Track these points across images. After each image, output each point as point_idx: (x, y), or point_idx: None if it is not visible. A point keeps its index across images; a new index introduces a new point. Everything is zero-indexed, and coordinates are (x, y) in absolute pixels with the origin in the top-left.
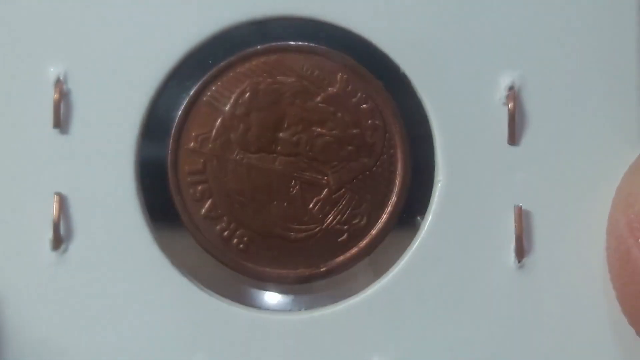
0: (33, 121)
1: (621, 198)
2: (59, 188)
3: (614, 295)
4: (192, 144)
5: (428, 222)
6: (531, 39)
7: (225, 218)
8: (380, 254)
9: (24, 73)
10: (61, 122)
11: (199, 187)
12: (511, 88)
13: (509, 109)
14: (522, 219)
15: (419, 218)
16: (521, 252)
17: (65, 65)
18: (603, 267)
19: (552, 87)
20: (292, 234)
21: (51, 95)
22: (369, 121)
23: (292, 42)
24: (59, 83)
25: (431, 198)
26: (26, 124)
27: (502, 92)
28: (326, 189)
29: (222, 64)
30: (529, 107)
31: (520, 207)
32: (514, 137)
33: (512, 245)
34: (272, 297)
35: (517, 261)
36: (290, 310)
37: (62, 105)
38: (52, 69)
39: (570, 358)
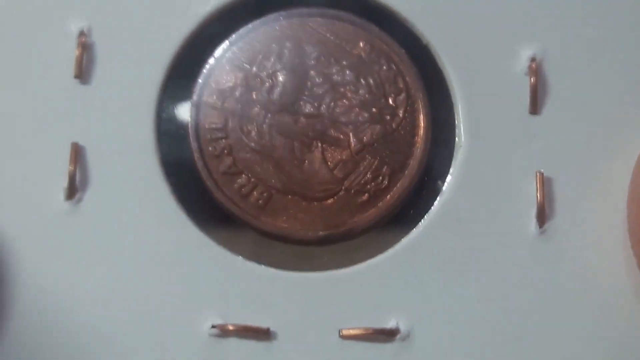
0: (55, 71)
1: (634, 189)
2: (76, 138)
3: (634, 262)
4: (214, 100)
5: (448, 186)
6: (553, 10)
7: (244, 174)
8: (399, 217)
9: (49, 25)
10: (82, 73)
11: (219, 144)
12: (533, 59)
13: (530, 80)
14: (544, 184)
15: (439, 182)
16: (543, 218)
17: (90, 19)
18: (625, 233)
19: (573, 57)
20: (311, 192)
21: (74, 47)
22: (392, 85)
23: (316, 8)
24: (82, 35)
25: (452, 162)
26: (48, 73)
27: (524, 62)
28: (347, 150)
29: (249, 25)
30: (550, 77)
31: (542, 173)
32: (535, 107)
33: (534, 211)
34: (288, 256)
35: (538, 227)
36: (306, 270)
37: (84, 56)
38: (76, 22)
39: (591, 325)
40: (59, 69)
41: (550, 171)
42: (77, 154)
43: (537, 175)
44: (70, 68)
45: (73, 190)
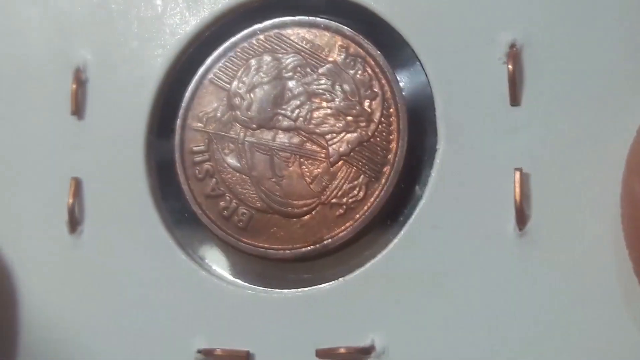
0: (53, 108)
1: (636, 162)
2: (73, 172)
3: (626, 266)
4: (197, 124)
5: (427, 191)
6: None
7: (226, 196)
8: (378, 228)
9: (46, 63)
10: (78, 109)
11: (202, 166)
12: (513, 45)
13: (508, 68)
14: (523, 183)
15: (417, 188)
16: (523, 219)
17: (84, 56)
18: (612, 235)
19: (557, 43)
20: (290, 209)
21: (69, 84)
22: (368, 90)
23: (290, 17)
24: (78, 72)
25: (430, 167)
26: (46, 112)
27: (503, 49)
28: (324, 163)
29: (226, 44)
30: (532, 65)
31: (521, 171)
32: (515, 97)
33: (513, 212)
34: (269, 275)
35: (517, 229)
36: (287, 288)
37: (79, 92)
38: (72, 59)
39: (578, 334)
40: (57, 106)
41: (533, 168)
42: (76, 187)
43: (515, 174)
44: (67, 104)
45: (74, 223)
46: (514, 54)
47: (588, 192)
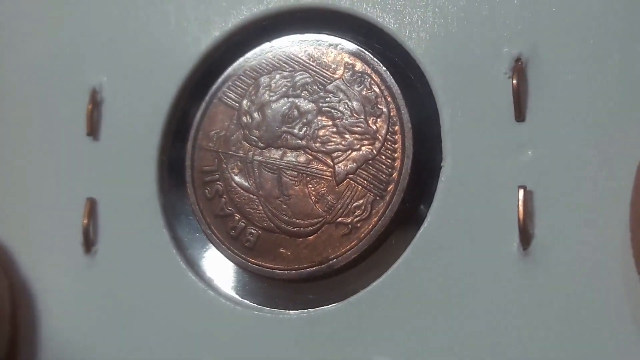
0: (68, 129)
1: None
2: (88, 193)
3: (633, 287)
4: (207, 143)
5: (431, 210)
6: (541, 4)
7: (234, 216)
8: (382, 247)
9: (63, 84)
10: (94, 129)
11: (213, 186)
12: (518, 59)
13: (513, 83)
14: (527, 201)
15: (422, 207)
16: (526, 238)
17: (100, 77)
18: (619, 255)
19: (563, 58)
20: (296, 229)
21: (85, 105)
22: (374, 107)
23: (298, 35)
24: (94, 93)
25: (435, 185)
26: (62, 132)
27: (508, 64)
28: (330, 181)
29: (235, 63)
30: (537, 80)
31: (525, 188)
32: (520, 113)
33: (517, 231)
34: (276, 295)
35: (521, 248)
36: (294, 309)
37: (94, 113)
38: (88, 81)
39: (583, 353)
40: (73, 126)
41: (537, 185)
42: (92, 208)
43: (519, 192)
44: (83, 125)
45: (89, 244)
46: (519, 69)
47: (593, 211)
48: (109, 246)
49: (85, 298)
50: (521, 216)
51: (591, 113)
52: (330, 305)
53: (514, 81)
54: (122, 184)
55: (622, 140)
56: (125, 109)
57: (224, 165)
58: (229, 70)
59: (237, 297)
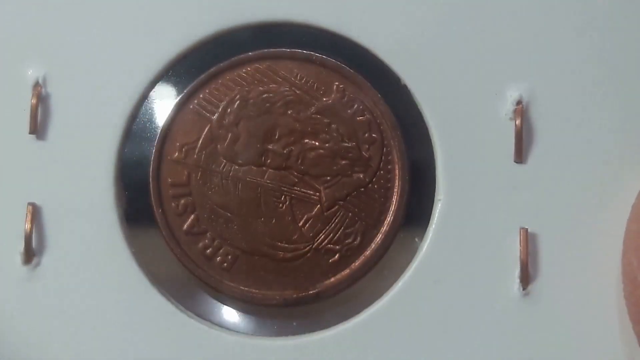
0: (8, 126)
1: (632, 238)
2: (32, 198)
3: (629, 329)
4: (176, 155)
5: (427, 243)
6: (540, 50)
7: (208, 234)
8: (373, 277)
9: (1, 75)
10: (38, 127)
11: (182, 201)
12: (519, 102)
13: (515, 125)
14: (528, 242)
15: (417, 239)
16: (526, 278)
17: (45, 68)
18: (617, 297)
19: (562, 101)
20: (279, 252)
21: (28, 99)
22: (366, 134)
23: (286, 49)
24: (37, 86)
25: (430, 218)
26: (1, 129)
27: (509, 106)
28: (318, 206)
29: (211, 70)
30: (537, 122)
31: (527, 230)
32: (520, 154)
33: (517, 271)
34: (256, 321)
35: (521, 288)
36: (274, 336)
37: (39, 110)
38: (30, 72)
39: None
40: (13, 124)
41: (537, 226)
42: (34, 214)
43: (520, 232)
44: (25, 122)
45: (30, 254)
46: (521, 111)
47: (592, 253)
48: (54, 257)
49: (24, 314)
50: (523, 256)
51: (588, 156)
52: (317, 332)
53: (517, 122)
54: (71, 189)
55: (619, 183)
56: (78, 105)
57: (196, 180)
58: (204, 76)
59: (211, 320)
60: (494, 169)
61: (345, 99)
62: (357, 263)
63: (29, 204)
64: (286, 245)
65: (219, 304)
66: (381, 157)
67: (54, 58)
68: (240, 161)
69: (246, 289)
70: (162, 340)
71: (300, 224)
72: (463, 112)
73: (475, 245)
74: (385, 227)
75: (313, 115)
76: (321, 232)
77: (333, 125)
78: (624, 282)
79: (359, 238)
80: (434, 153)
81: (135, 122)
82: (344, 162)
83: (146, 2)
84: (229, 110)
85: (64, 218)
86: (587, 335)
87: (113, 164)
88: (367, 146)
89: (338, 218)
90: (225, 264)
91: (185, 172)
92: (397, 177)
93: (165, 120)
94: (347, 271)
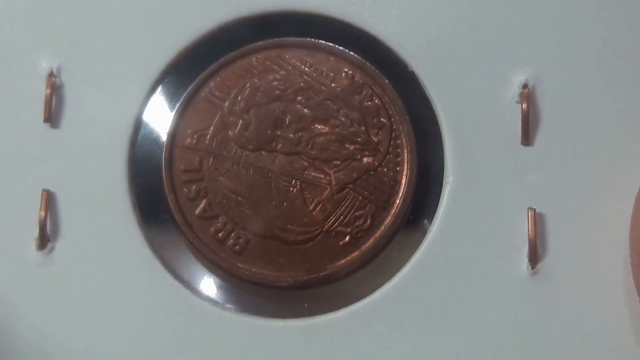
0: (23, 115)
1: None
2: (47, 185)
3: (638, 308)
4: (188, 141)
5: (436, 225)
6: (546, 34)
7: (220, 218)
8: (384, 259)
9: (17, 65)
10: (52, 116)
11: (194, 186)
12: (525, 86)
13: (522, 108)
14: (536, 222)
15: (426, 221)
16: (535, 258)
17: (59, 59)
18: (625, 274)
19: (568, 84)
20: (290, 235)
21: (43, 89)
22: (375, 119)
23: (294, 38)
24: (51, 76)
25: (439, 200)
26: (16, 118)
27: (515, 90)
28: (328, 189)
29: (222, 59)
30: (543, 105)
31: (534, 210)
32: (527, 137)
33: (526, 250)
34: (267, 303)
35: (530, 267)
36: (286, 317)
37: (54, 99)
38: (45, 62)
39: None
40: (28, 112)
41: (544, 207)
42: (48, 201)
43: (528, 212)
44: (40, 111)
45: (44, 240)
46: (527, 95)
47: (599, 232)
48: (67, 243)
49: (39, 299)
50: (532, 236)
51: (595, 137)
52: (327, 314)
53: (524, 106)
54: (85, 176)
55: (625, 163)
56: (91, 95)
57: (208, 166)
58: (215, 65)
59: (223, 303)
60: (502, 152)
61: (354, 85)
62: (367, 245)
63: (44, 190)
64: (297, 228)
65: (231, 286)
66: (390, 142)
67: (68, 49)
68: (251, 147)
69: (258, 271)
70: (175, 323)
71: (311, 207)
72: (470, 96)
73: (484, 226)
74: (394, 210)
75: (322, 101)
76: (331, 215)
77: (342, 111)
78: (632, 258)
79: (369, 220)
80: (442, 137)
81: (148, 110)
82: (353, 146)
83: None
84: (239, 97)
85: (77, 204)
86: (595, 313)
87: (126, 151)
88: (376, 131)
89: (348, 201)
90: (237, 247)
91: (197, 158)
92: (405, 160)
93: (177, 108)
94: (357, 253)
